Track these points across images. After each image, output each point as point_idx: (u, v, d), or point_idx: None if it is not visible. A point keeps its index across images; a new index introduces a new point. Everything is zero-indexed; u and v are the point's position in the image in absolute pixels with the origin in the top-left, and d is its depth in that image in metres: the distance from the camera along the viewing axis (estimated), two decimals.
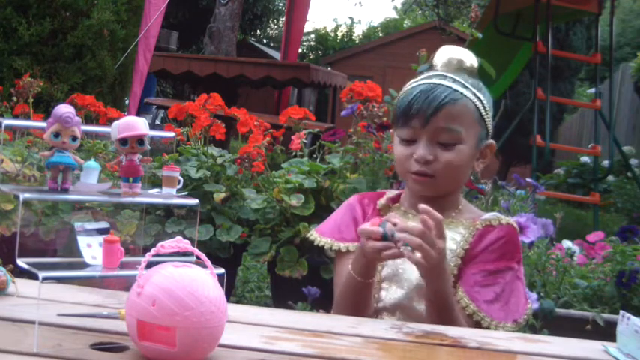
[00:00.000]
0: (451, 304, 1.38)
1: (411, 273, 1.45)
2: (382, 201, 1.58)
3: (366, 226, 1.33)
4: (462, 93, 1.43)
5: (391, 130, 1.65)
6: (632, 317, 1.13)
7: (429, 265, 1.29)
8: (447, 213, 1.47)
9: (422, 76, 1.49)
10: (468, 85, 1.46)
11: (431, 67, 1.53)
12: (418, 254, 1.27)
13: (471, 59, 1.53)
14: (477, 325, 1.40)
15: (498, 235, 1.46)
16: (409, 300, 1.46)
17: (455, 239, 1.46)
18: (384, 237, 1.30)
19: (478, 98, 1.46)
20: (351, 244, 1.53)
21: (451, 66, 1.50)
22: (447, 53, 1.53)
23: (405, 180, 1.53)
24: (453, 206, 1.52)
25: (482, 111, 1.46)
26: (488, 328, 1.38)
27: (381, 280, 1.50)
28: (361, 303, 1.44)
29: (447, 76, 1.46)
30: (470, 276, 1.44)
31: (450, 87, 1.43)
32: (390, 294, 1.48)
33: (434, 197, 1.47)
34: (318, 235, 1.60)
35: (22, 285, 1.19)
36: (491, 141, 1.53)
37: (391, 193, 1.62)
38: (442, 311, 1.37)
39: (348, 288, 1.44)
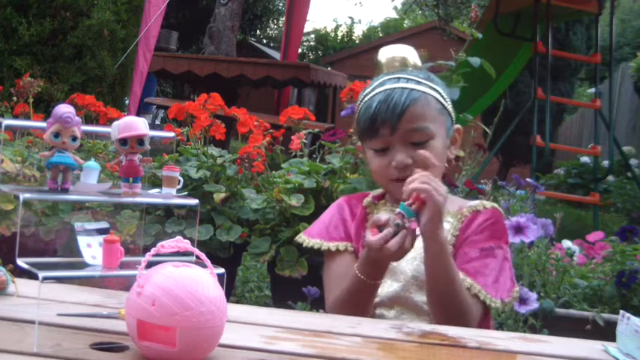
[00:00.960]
0: (453, 275, 1.38)
1: (406, 266, 1.48)
2: (368, 199, 1.60)
3: (371, 237, 1.32)
4: (419, 90, 1.45)
5: (358, 144, 1.66)
6: (632, 317, 1.13)
7: (438, 210, 1.31)
8: None
9: (375, 84, 1.49)
10: (421, 80, 1.47)
11: (376, 66, 1.54)
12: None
13: (413, 57, 1.54)
14: (475, 298, 1.41)
15: (485, 217, 1.50)
16: (406, 292, 1.48)
17: (444, 228, 1.46)
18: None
19: (434, 90, 1.47)
20: (340, 243, 1.55)
21: (394, 64, 1.50)
22: (390, 52, 1.54)
23: (387, 189, 1.54)
24: None
25: (442, 100, 1.48)
26: (484, 302, 1.41)
27: None
28: (365, 305, 1.44)
29: (399, 78, 1.47)
30: (464, 254, 1.47)
31: (406, 88, 1.45)
32: (386, 288, 1.49)
33: None
34: (307, 237, 1.60)
35: (22, 285, 1.19)
36: (458, 125, 1.55)
37: (375, 192, 1.63)
38: (446, 284, 1.37)
39: (353, 289, 1.42)
